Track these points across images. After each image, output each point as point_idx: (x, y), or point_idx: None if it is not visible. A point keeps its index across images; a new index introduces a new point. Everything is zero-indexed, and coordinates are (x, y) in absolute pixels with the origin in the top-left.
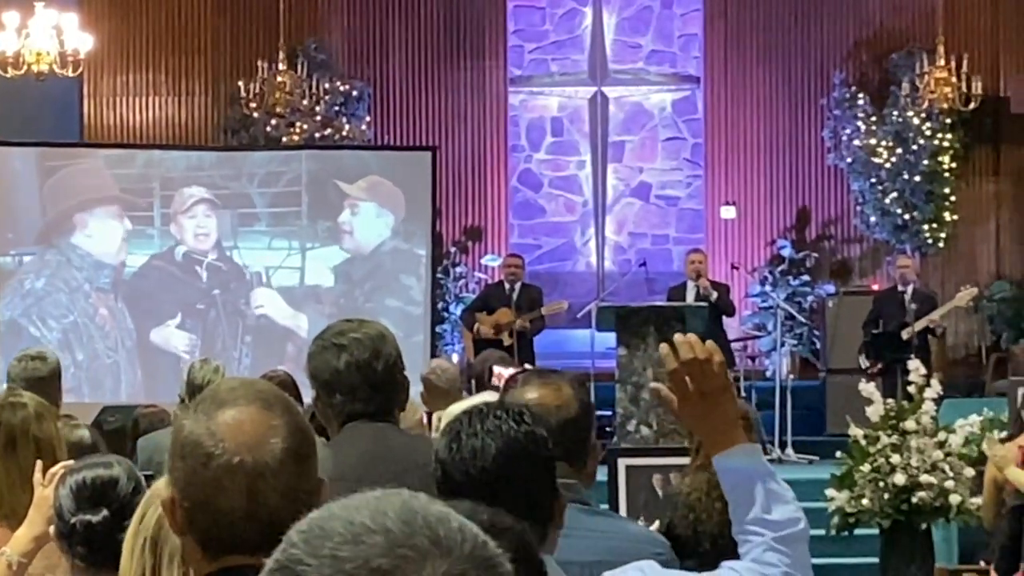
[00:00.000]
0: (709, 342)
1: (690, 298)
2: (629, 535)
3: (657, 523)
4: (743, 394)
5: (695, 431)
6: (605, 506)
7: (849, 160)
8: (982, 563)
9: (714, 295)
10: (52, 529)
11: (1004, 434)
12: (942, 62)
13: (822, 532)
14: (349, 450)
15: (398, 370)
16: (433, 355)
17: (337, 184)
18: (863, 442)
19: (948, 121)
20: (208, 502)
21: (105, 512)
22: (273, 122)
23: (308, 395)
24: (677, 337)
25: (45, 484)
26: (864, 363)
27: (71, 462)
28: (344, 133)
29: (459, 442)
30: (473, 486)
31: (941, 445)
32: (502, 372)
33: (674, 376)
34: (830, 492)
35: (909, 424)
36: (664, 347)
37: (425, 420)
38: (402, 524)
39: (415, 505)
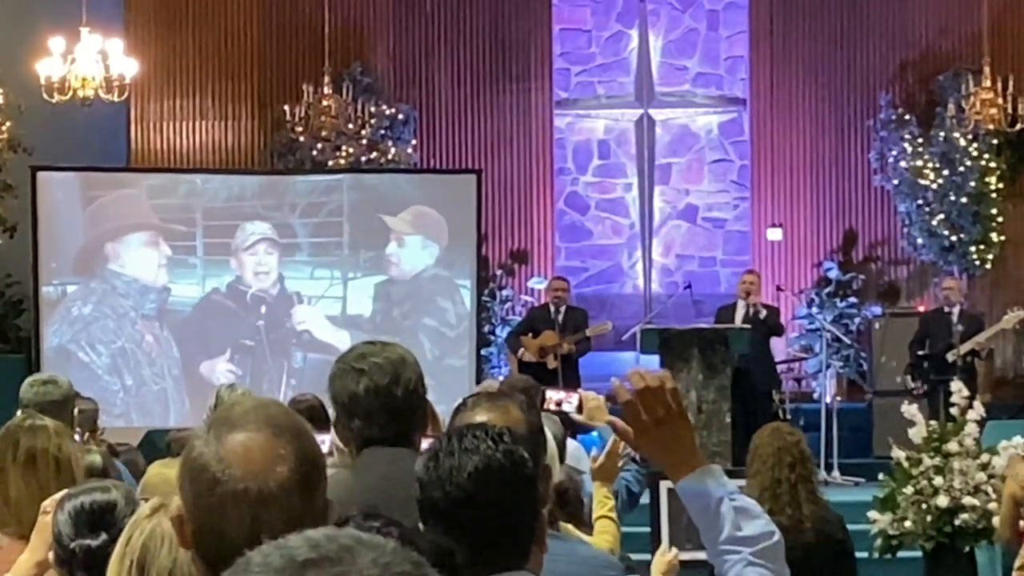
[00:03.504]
0: (662, 371)
1: (739, 318)
2: (580, 557)
3: None
4: (788, 416)
5: (654, 459)
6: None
7: (896, 182)
8: None
9: (763, 312)
10: (51, 555)
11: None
12: (988, 83)
13: (865, 554)
14: (366, 476)
15: (418, 395)
16: (479, 379)
17: (382, 219)
18: (906, 464)
19: (995, 142)
20: (212, 526)
21: (104, 536)
22: (319, 146)
23: None
24: (628, 371)
25: (47, 510)
26: (911, 384)
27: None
28: (390, 156)
29: (436, 460)
30: (449, 504)
31: (984, 467)
32: (552, 396)
33: (627, 408)
34: (873, 514)
35: (952, 446)
36: (615, 381)
37: None
38: (323, 534)
39: (343, 530)
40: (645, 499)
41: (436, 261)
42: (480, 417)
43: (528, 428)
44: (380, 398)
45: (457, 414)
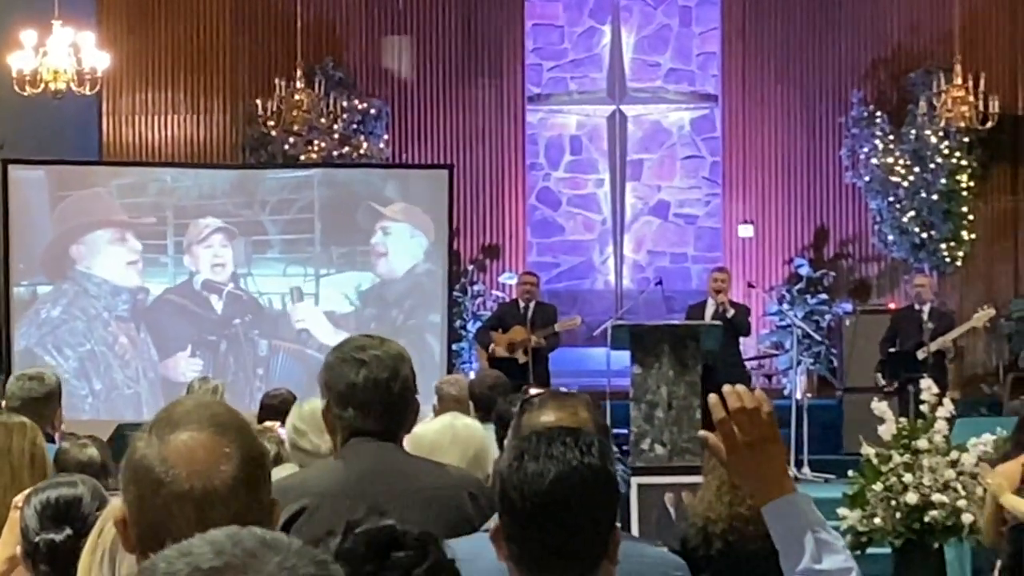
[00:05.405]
0: (760, 393)
1: (708, 316)
2: (648, 558)
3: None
4: None
5: (743, 481)
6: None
7: (867, 179)
8: None
9: (730, 312)
10: (19, 549)
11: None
12: (959, 81)
13: None
14: (353, 467)
15: (411, 393)
16: (450, 373)
17: (372, 205)
18: (875, 461)
19: (966, 140)
20: (158, 527)
21: (68, 531)
22: (291, 140)
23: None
24: (726, 388)
25: (18, 505)
26: (881, 382)
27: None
28: (362, 151)
29: (520, 462)
30: (526, 507)
31: (953, 464)
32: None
33: (722, 426)
34: (842, 511)
35: (921, 443)
36: (713, 398)
37: None
38: (227, 537)
39: (246, 530)
40: None
41: (425, 255)
42: (547, 417)
43: (597, 428)
44: (378, 390)
45: (524, 412)
